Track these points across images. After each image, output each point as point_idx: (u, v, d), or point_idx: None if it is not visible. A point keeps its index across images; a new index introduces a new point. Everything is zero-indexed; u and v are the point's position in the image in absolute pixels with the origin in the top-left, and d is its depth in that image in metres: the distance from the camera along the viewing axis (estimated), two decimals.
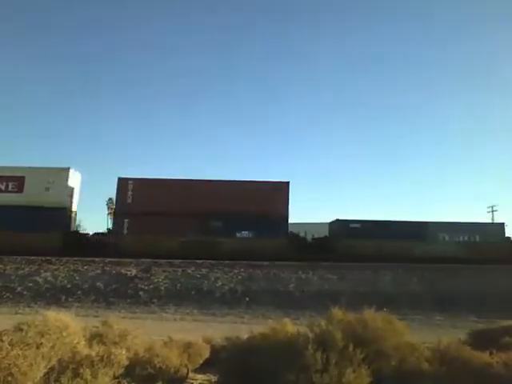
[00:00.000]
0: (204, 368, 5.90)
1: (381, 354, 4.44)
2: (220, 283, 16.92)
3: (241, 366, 4.57)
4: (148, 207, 23.44)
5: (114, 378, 3.99)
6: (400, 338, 4.80)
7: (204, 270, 18.13)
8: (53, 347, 3.95)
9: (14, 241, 21.13)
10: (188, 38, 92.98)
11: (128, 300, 15.51)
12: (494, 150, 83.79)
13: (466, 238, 24.99)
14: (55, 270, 17.89)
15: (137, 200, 23.85)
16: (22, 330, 4.19)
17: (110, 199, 51.15)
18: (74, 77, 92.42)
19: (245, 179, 25.89)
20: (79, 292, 16.04)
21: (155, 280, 17.07)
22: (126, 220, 23.62)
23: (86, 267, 18.18)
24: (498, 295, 15.04)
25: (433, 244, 24.08)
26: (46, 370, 3.67)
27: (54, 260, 18.97)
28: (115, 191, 24.43)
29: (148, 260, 19.20)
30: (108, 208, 55.27)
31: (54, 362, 3.84)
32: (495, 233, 25.56)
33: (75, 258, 19.24)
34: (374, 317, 4.99)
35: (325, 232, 27.21)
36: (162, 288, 16.48)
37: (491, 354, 4.66)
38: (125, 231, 23.43)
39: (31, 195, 23.15)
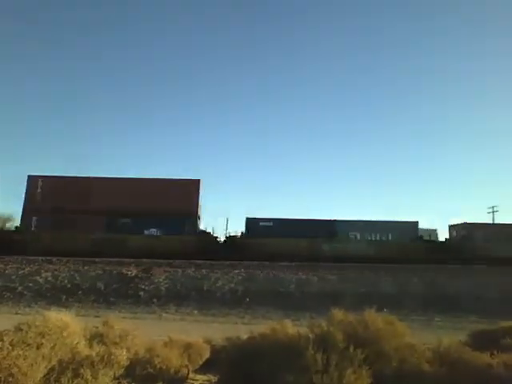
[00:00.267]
0: (204, 368, 5.90)
1: (381, 354, 4.44)
2: (220, 283, 16.93)
3: (241, 367, 4.57)
4: (58, 204, 23.36)
5: (115, 378, 3.98)
6: (401, 339, 4.80)
7: (204, 271, 18.13)
8: (53, 347, 3.95)
9: None
10: (188, 37, 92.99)
11: (128, 300, 15.53)
12: (493, 152, 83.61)
13: (378, 237, 24.64)
14: (55, 269, 17.91)
15: (46, 198, 23.71)
16: (22, 330, 4.19)
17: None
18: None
19: (156, 177, 25.60)
20: (80, 292, 16.06)
21: (155, 280, 17.08)
22: (35, 218, 23.53)
23: (86, 267, 18.20)
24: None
25: (342, 242, 23.92)
26: (46, 371, 3.67)
27: (54, 260, 18.99)
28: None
29: (148, 260, 19.24)
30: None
31: (54, 362, 3.84)
32: (408, 232, 24.71)
33: (76, 258, 19.26)
34: (374, 318, 4.98)
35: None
36: (163, 288, 16.48)
37: (492, 355, 4.65)
38: (33, 229, 23.31)
39: None
